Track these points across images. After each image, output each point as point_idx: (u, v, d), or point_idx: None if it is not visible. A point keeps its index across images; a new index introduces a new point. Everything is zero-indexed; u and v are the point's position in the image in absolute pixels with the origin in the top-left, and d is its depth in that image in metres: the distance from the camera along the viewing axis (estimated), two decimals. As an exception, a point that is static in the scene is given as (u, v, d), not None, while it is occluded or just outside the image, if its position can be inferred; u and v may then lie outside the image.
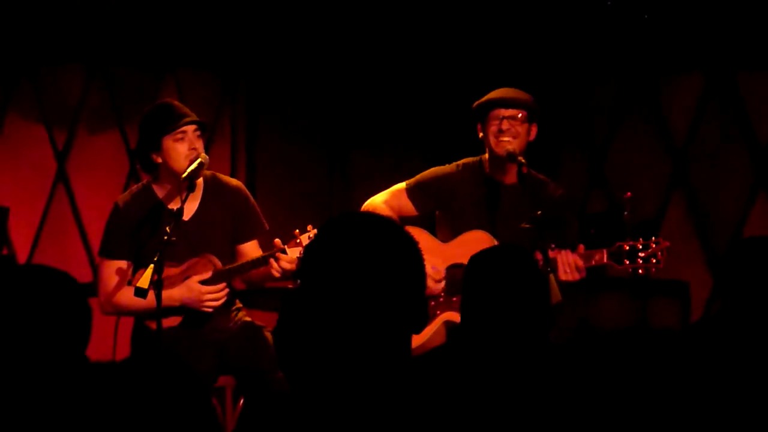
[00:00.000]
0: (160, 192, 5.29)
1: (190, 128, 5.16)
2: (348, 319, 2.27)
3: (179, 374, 2.23)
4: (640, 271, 5.16)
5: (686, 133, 7.11)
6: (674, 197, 7.14)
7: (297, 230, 5.14)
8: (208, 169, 5.23)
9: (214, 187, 5.29)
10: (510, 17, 7.20)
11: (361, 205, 5.54)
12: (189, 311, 5.19)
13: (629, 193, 5.27)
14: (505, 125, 5.25)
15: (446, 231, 5.40)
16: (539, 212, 5.05)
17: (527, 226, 5.04)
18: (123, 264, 5.24)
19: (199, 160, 5.13)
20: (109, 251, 5.28)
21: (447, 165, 5.49)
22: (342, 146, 7.58)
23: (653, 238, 5.15)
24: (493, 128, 5.28)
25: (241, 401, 5.34)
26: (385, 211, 5.34)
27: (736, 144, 6.99)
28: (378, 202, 5.45)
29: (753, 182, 6.95)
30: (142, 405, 2.22)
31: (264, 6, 7.36)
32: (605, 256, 5.15)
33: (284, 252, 5.11)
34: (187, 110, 5.22)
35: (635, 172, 7.14)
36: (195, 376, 2.24)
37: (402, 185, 5.46)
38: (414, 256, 2.38)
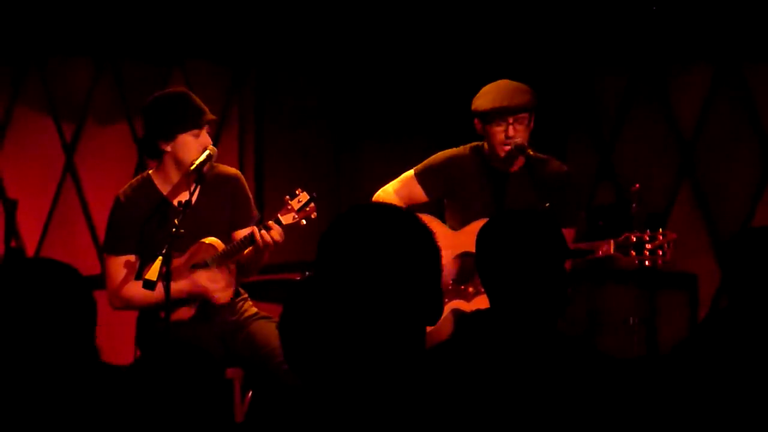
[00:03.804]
0: (160, 183, 5.27)
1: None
2: (363, 310, 2.25)
3: (195, 358, 2.23)
4: (647, 262, 5.15)
5: (694, 125, 7.09)
6: (682, 189, 7.13)
7: (287, 196, 5.14)
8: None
9: (213, 177, 5.28)
10: (518, 8, 7.18)
11: (371, 195, 5.54)
12: (199, 305, 5.19)
13: (637, 185, 5.26)
14: (511, 132, 5.24)
15: (455, 219, 5.41)
16: (547, 204, 5.05)
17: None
18: (129, 258, 5.23)
19: (207, 152, 5.13)
20: (114, 247, 5.26)
21: (455, 147, 5.48)
22: (350, 137, 7.58)
23: (660, 230, 5.14)
24: (500, 136, 5.25)
25: (250, 394, 5.34)
26: (395, 202, 5.34)
27: (744, 136, 6.97)
28: (388, 192, 5.46)
29: (761, 174, 6.93)
30: (160, 389, 2.23)
31: (271, -2, 7.37)
32: (612, 247, 5.14)
33: (279, 222, 5.10)
34: (203, 104, 5.21)
35: (643, 164, 7.13)
36: (211, 358, 2.24)
37: (411, 172, 5.47)
38: (431, 247, 2.37)
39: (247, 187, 5.38)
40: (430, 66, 7.34)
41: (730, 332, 3.34)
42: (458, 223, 5.38)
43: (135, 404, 2.36)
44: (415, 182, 5.45)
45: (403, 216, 2.36)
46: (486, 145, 5.37)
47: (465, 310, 5.21)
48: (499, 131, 5.25)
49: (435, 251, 2.36)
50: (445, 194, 5.48)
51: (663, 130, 7.17)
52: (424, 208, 5.41)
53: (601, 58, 7.24)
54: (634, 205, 5.20)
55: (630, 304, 6.96)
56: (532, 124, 5.32)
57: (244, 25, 7.39)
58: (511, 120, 5.23)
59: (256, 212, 5.35)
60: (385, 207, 2.41)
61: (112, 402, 2.41)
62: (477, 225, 5.24)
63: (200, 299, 5.18)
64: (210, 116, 5.18)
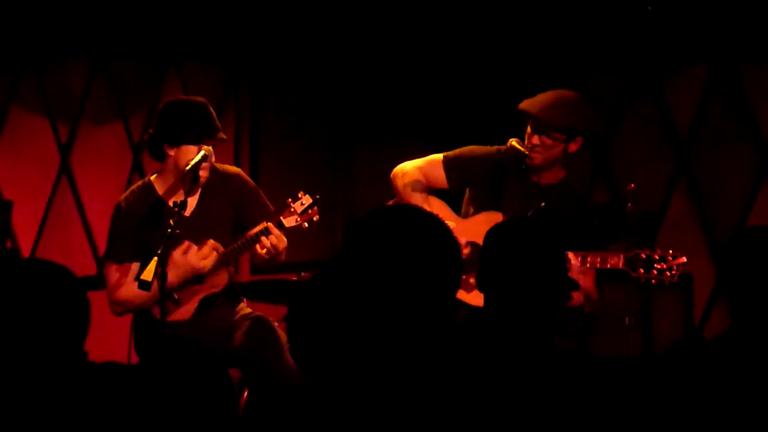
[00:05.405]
0: (161, 186, 5.28)
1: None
2: (379, 311, 2.25)
3: (196, 358, 2.23)
4: (654, 281, 5.13)
5: (689, 124, 7.10)
6: (678, 189, 7.14)
7: (290, 199, 5.14)
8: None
9: (213, 178, 5.28)
10: (513, 10, 7.19)
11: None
12: (198, 305, 5.20)
13: (632, 185, 5.26)
14: (534, 140, 5.19)
15: (470, 209, 5.38)
16: (543, 203, 5.04)
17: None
18: (130, 266, 5.22)
19: (202, 153, 5.13)
20: (115, 255, 5.25)
21: (487, 146, 5.43)
22: (345, 140, 7.58)
23: (670, 251, 5.12)
24: (526, 140, 5.23)
25: (245, 393, 5.34)
26: (416, 176, 5.32)
27: (739, 135, 6.98)
28: (412, 166, 5.39)
29: (756, 173, 6.94)
30: (164, 391, 2.22)
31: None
32: (621, 261, 5.11)
33: (282, 224, 5.11)
34: (218, 121, 5.22)
35: (639, 164, 7.14)
36: (213, 355, 2.25)
37: (439, 156, 5.41)
38: (455, 260, 2.36)
39: (251, 183, 5.37)
40: (425, 68, 7.34)
41: (726, 331, 3.34)
42: (471, 213, 5.36)
43: (139, 408, 2.36)
44: (440, 168, 5.38)
45: (432, 223, 2.35)
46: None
47: (463, 300, 5.18)
48: (525, 135, 5.22)
49: (458, 264, 2.35)
50: (468, 186, 5.42)
51: (659, 129, 7.18)
52: (437, 190, 5.38)
53: (596, 58, 7.24)
54: (629, 204, 5.19)
55: (626, 303, 6.96)
56: (571, 149, 5.24)
57: (240, 27, 7.40)
58: (529, 128, 5.18)
59: (269, 206, 5.31)
60: (417, 211, 2.39)
61: (108, 405, 2.41)
62: (485, 216, 5.26)
63: (193, 277, 5.19)
64: (222, 136, 5.20)
